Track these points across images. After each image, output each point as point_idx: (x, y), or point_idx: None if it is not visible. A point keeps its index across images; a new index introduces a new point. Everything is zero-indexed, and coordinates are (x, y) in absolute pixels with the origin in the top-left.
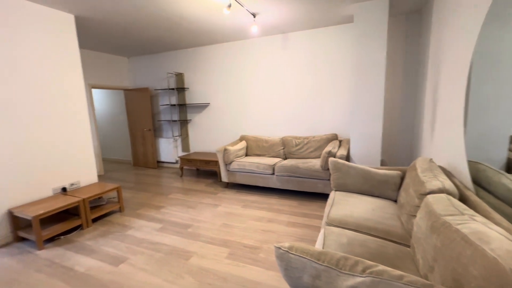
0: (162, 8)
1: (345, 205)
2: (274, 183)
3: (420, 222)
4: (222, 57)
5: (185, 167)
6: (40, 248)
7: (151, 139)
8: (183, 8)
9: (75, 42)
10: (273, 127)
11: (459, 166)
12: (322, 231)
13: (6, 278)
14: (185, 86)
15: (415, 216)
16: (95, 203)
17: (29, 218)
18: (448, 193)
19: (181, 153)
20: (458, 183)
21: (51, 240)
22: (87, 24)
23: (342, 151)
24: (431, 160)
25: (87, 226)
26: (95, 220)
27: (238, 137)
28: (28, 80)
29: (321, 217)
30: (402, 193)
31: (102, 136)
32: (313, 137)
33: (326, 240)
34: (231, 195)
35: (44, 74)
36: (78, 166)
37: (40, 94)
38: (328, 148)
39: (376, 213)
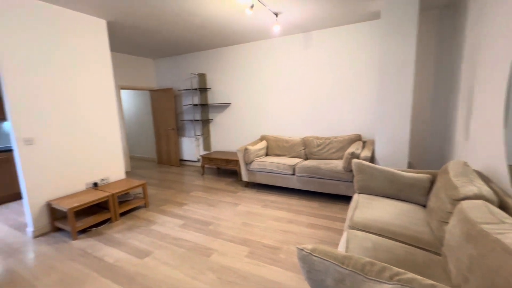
0: (187, 11)
1: (369, 208)
2: (294, 183)
3: (453, 230)
4: (243, 58)
5: (206, 165)
6: (74, 239)
7: (174, 138)
8: (207, 10)
9: (107, 46)
10: (294, 127)
11: (498, 171)
12: (344, 234)
13: (45, 265)
14: (207, 87)
15: (447, 222)
16: (123, 198)
17: (64, 210)
18: (486, 199)
19: (202, 152)
20: (496, 189)
21: (84, 231)
22: (117, 29)
23: (366, 153)
24: (465, 164)
25: (116, 220)
26: (122, 214)
27: (258, 137)
28: (67, 83)
29: (342, 220)
30: (432, 198)
31: (129, 135)
32: (335, 137)
33: (349, 244)
34: (251, 194)
35: (80, 77)
36: (108, 163)
37: (76, 96)
38: (351, 149)
39: (403, 217)
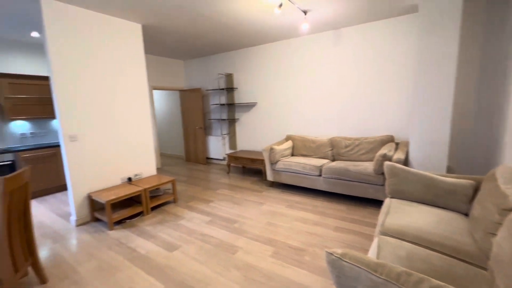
0: (218, 12)
1: (403, 214)
2: (320, 185)
3: (503, 243)
4: (270, 57)
5: (232, 164)
6: (110, 229)
7: (201, 136)
8: (237, 11)
9: (142, 49)
10: (321, 127)
11: None
12: (375, 240)
13: (86, 252)
14: (234, 86)
15: (494, 234)
16: (154, 193)
17: (103, 202)
18: None
19: (228, 151)
20: None
21: (119, 222)
22: (151, 32)
23: (400, 155)
24: None
25: (147, 213)
26: (153, 209)
27: (284, 137)
28: (106, 85)
29: (372, 225)
30: (476, 206)
31: (159, 133)
32: (365, 138)
33: (381, 250)
34: (275, 194)
35: (117, 79)
36: (141, 159)
37: (114, 97)
38: (383, 151)
39: (441, 226)
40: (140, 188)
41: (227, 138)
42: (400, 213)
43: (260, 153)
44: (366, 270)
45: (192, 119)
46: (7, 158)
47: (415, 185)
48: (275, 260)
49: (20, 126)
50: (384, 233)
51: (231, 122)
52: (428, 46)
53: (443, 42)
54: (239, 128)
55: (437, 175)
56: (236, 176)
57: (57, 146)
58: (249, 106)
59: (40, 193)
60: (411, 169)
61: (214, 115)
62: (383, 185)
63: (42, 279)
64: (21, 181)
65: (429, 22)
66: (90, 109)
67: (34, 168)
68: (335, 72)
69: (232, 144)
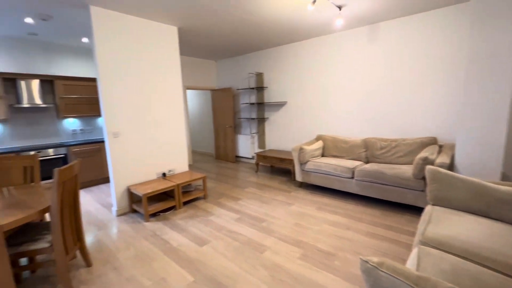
0: (251, 12)
1: (447, 223)
2: (352, 187)
3: None
4: (301, 55)
5: (260, 163)
6: (146, 220)
7: (231, 135)
8: (269, 10)
9: (177, 50)
10: (354, 127)
11: None
12: (415, 250)
13: (124, 241)
14: (264, 85)
15: None
16: (186, 188)
17: (140, 195)
18: None
19: (257, 150)
20: None
21: (154, 215)
22: (185, 34)
23: (444, 159)
24: None
25: (179, 208)
26: (185, 203)
27: (314, 137)
28: (144, 85)
29: (410, 233)
30: None
31: (191, 131)
32: (404, 140)
33: (421, 262)
34: (304, 195)
35: (155, 80)
36: (174, 156)
37: (151, 96)
38: (424, 153)
39: (494, 239)
40: (173, 184)
41: (256, 137)
42: (443, 222)
43: (289, 152)
44: (406, 282)
45: (222, 118)
46: (61, 152)
47: (462, 193)
48: (304, 263)
49: (71, 123)
50: (425, 243)
51: (261, 121)
52: (482, 38)
53: (501, 32)
54: (268, 127)
55: (489, 182)
56: (264, 175)
57: (101, 141)
58: (279, 105)
59: (87, 184)
60: (458, 175)
61: (244, 114)
62: (423, 190)
63: (88, 263)
64: (72, 173)
65: (484, 10)
66: (130, 108)
67: (82, 161)
68: (370, 69)
69: (261, 143)
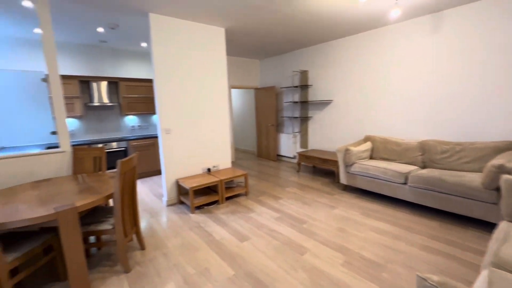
0: (299, 10)
1: None
2: (405, 194)
3: None
4: (349, 51)
5: (302, 163)
6: (192, 212)
7: (273, 133)
8: (316, 6)
9: (224, 51)
10: (408, 128)
11: None
12: (484, 272)
13: (172, 229)
14: (309, 84)
15: None
16: (228, 184)
17: (187, 188)
18: None
19: (299, 149)
20: None
21: (198, 207)
22: (231, 34)
23: None
24: None
25: (222, 203)
26: (227, 199)
27: (361, 137)
28: (193, 85)
29: (476, 251)
30: None
31: (234, 128)
32: (471, 144)
33: (492, 287)
34: (349, 198)
35: (203, 80)
36: (219, 152)
37: (199, 96)
38: (499, 160)
39: None
40: (217, 179)
41: (298, 136)
42: None
43: (333, 153)
44: None
45: (265, 116)
46: (122, 145)
47: None
48: (347, 270)
49: (131, 120)
50: (499, 265)
51: (304, 120)
52: None
53: None
54: (311, 126)
55: None
56: (306, 175)
57: (155, 137)
58: (324, 103)
59: (141, 175)
60: None
61: (287, 113)
62: (495, 203)
63: (142, 246)
64: (132, 165)
65: None
66: (180, 106)
67: (139, 154)
68: (430, 64)
69: (304, 142)
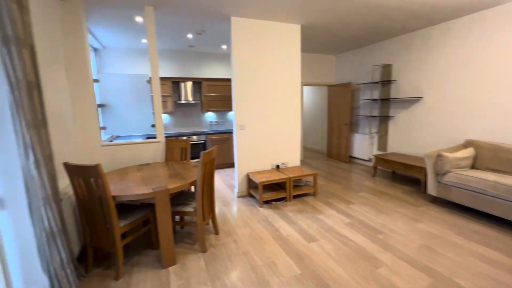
0: None
1: None
2: None
3: None
4: (445, 39)
5: (379, 167)
6: (260, 206)
7: (346, 133)
8: None
9: (299, 48)
10: None
11: None
12: None
13: (242, 220)
14: (392, 79)
15: None
16: (296, 182)
17: (257, 182)
18: None
19: (375, 152)
20: None
21: (266, 202)
22: (306, 30)
23: None
24: None
25: (289, 200)
26: (294, 197)
27: (460, 142)
28: (267, 83)
29: None
30: None
31: (303, 126)
32: None
33: None
34: (438, 213)
35: (277, 78)
36: (288, 150)
37: (272, 93)
38: None
39: None
40: (286, 176)
41: (376, 137)
42: None
43: (418, 158)
44: None
45: (338, 115)
46: (202, 139)
47: None
48: None
49: (210, 116)
50: None
51: (383, 119)
52: None
53: None
54: (392, 126)
55: None
56: (383, 181)
57: (229, 132)
58: (411, 101)
59: (216, 167)
60: None
61: (363, 111)
62: None
63: (216, 231)
64: (212, 156)
65: None
66: (254, 104)
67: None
68: None
69: (382, 144)
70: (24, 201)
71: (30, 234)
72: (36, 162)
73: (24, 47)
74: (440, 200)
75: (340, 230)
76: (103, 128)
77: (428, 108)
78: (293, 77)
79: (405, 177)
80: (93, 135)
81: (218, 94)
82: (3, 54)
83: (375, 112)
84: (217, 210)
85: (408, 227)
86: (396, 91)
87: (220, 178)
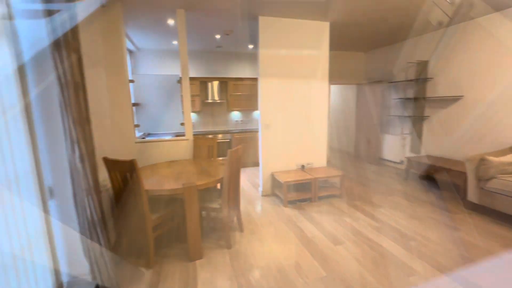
0: None
1: None
2: None
3: None
4: (490, 33)
5: (412, 170)
6: (284, 205)
7: (376, 134)
8: None
9: (327, 46)
10: None
11: None
12: None
13: (266, 218)
14: (428, 76)
15: None
16: (322, 183)
17: (281, 181)
18: None
19: (408, 154)
20: None
21: (291, 202)
22: (335, 27)
23: None
24: None
25: (314, 201)
26: (320, 198)
27: (506, 146)
28: (292, 82)
29: None
30: None
31: (330, 126)
32: None
33: None
34: (480, 222)
35: (305, 76)
36: (314, 150)
37: (297, 93)
38: None
39: None
40: (311, 176)
41: (408, 138)
42: None
43: (455, 161)
44: None
45: (367, 114)
46: (227, 137)
47: None
48: None
49: (235, 115)
50: None
51: (417, 119)
52: None
53: None
54: (427, 127)
55: None
56: (415, 185)
57: (254, 131)
58: (450, 100)
59: (241, 165)
60: None
61: (395, 111)
62: None
63: (241, 228)
64: (238, 155)
65: None
66: (280, 103)
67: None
68: None
69: (415, 146)
70: (69, 191)
71: (75, 222)
72: (81, 156)
73: (73, 51)
74: (482, 208)
75: (367, 234)
76: (137, 125)
77: (469, 108)
78: (320, 76)
79: (441, 181)
80: (128, 132)
81: (243, 94)
82: (55, 58)
83: (408, 112)
84: (241, 208)
85: (444, 235)
86: (433, 90)
87: (244, 177)
